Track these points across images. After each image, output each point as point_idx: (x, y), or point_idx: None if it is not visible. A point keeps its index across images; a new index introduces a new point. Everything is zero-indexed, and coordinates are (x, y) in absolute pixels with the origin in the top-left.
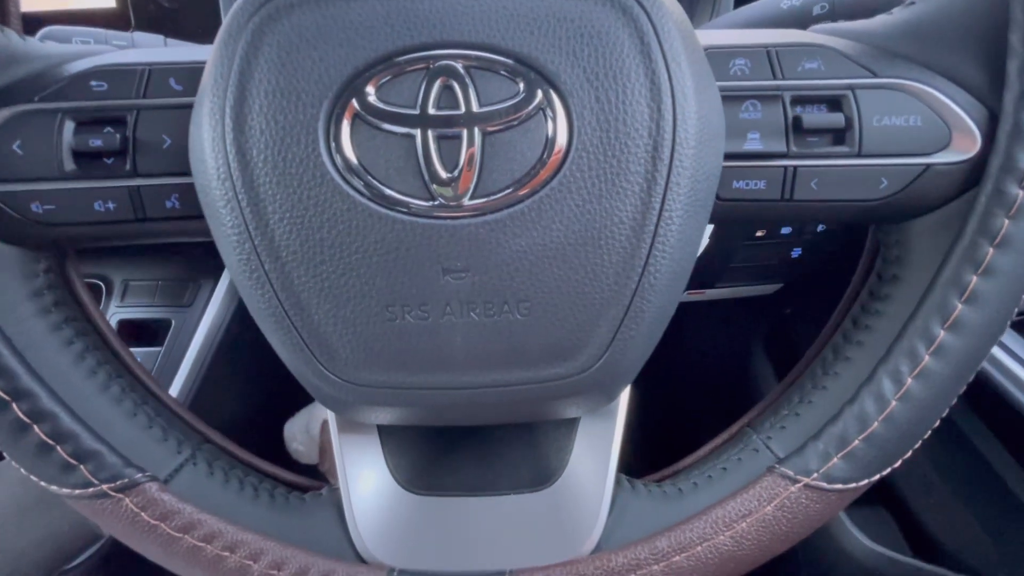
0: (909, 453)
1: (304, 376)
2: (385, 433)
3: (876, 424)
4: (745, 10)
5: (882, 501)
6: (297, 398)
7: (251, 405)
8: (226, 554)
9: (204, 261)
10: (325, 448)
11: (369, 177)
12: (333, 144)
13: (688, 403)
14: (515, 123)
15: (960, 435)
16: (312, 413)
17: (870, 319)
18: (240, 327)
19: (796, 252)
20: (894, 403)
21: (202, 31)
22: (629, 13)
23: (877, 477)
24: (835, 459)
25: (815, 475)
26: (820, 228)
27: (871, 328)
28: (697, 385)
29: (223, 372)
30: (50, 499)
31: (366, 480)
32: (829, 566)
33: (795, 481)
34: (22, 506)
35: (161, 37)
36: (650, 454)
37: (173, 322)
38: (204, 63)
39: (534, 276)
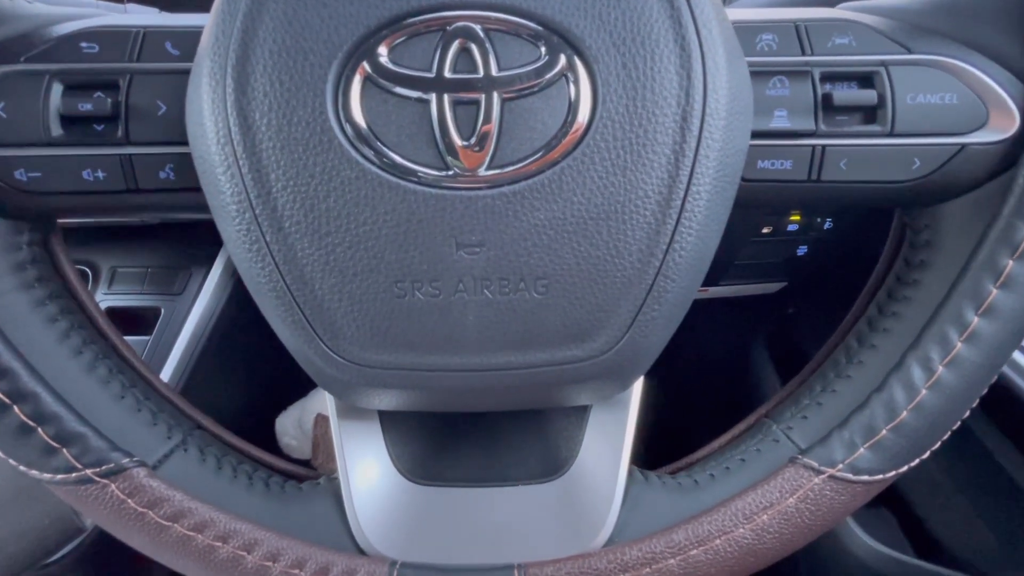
0: (938, 444)
1: (304, 356)
2: (387, 420)
3: (905, 413)
4: None
5: (884, 500)
6: (289, 391)
7: (242, 398)
8: (218, 544)
9: (197, 248)
10: (318, 443)
11: (379, 144)
12: (342, 108)
13: (686, 400)
14: (535, 89)
15: (966, 431)
16: (305, 407)
17: (897, 306)
18: (234, 317)
19: (802, 250)
20: (924, 392)
21: (199, 6)
22: None
23: (905, 468)
24: (862, 449)
25: (840, 466)
26: (827, 226)
27: (899, 315)
28: (696, 383)
29: (214, 363)
30: (31, 491)
31: (367, 469)
32: (830, 565)
33: (819, 472)
34: (2, 498)
35: (155, 10)
36: (651, 449)
37: (163, 310)
38: (199, 28)
39: (553, 252)
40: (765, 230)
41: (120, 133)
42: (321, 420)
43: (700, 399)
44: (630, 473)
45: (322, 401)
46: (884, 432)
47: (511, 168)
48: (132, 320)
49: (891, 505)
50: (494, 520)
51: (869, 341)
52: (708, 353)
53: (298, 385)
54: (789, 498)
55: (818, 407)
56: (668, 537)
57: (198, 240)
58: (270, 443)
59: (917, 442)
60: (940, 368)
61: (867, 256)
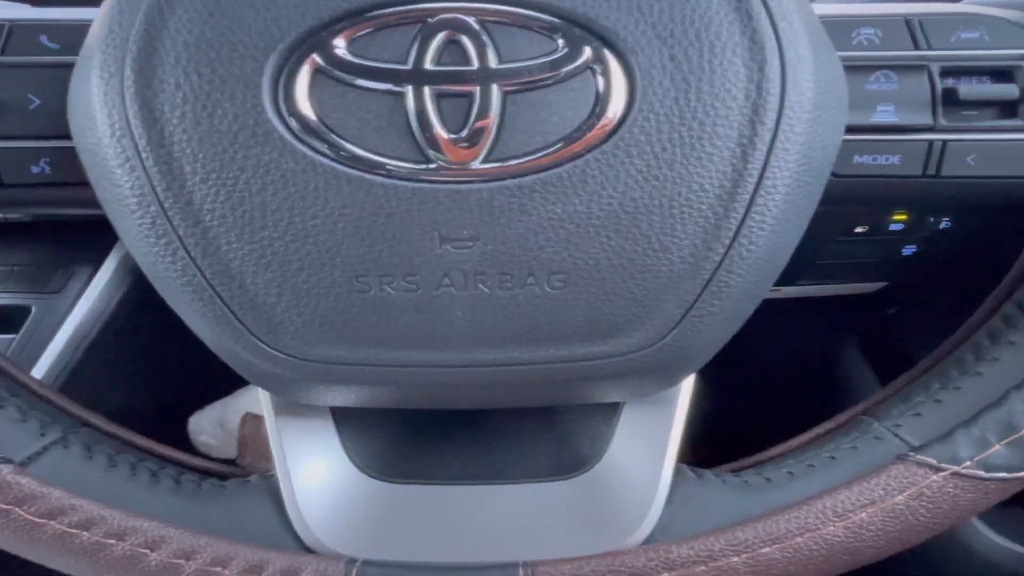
0: None
1: (230, 352)
2: (342, 416)
3: None
4: None
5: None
6: (202, 391)
7: (145, 398)
8: (110, 541)
9: (79, 246)
10: (246, 442)
11: (334, 136)
12: (283, 101)
13: (753, 403)
14: (549, 81)
15: None
16: (228, 406)
17: None
18: (131, 315)
19: (908, 250)
20: None
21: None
22: None
23: None
24: (997, 446)
25: (968, 463)
26: (943, 225)
27: None
28: (767, 384)
29: (107, 362)
30: None
31: (315, 466)
32: (945, 563)
33: (938, 469)
34: None
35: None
36: (703, 453)
37: (34, 309)
38: (84, 21)
39: (573, 246)
40: (859, 229)
41: None
42: (250, 419)
43: (771, 402)
44: (678, 472)
45: (249, 401)
46: None
47: (516, 162)
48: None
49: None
50: (487, 518)
51: (1006, 338)
52: (781, 353)
53: (213, 385)
54: (897, 495)
55: (936, 404)
56: (731, 534)
57: (81, 237)
58: (183, 444)
59: None
60: None
61: (988, 256)
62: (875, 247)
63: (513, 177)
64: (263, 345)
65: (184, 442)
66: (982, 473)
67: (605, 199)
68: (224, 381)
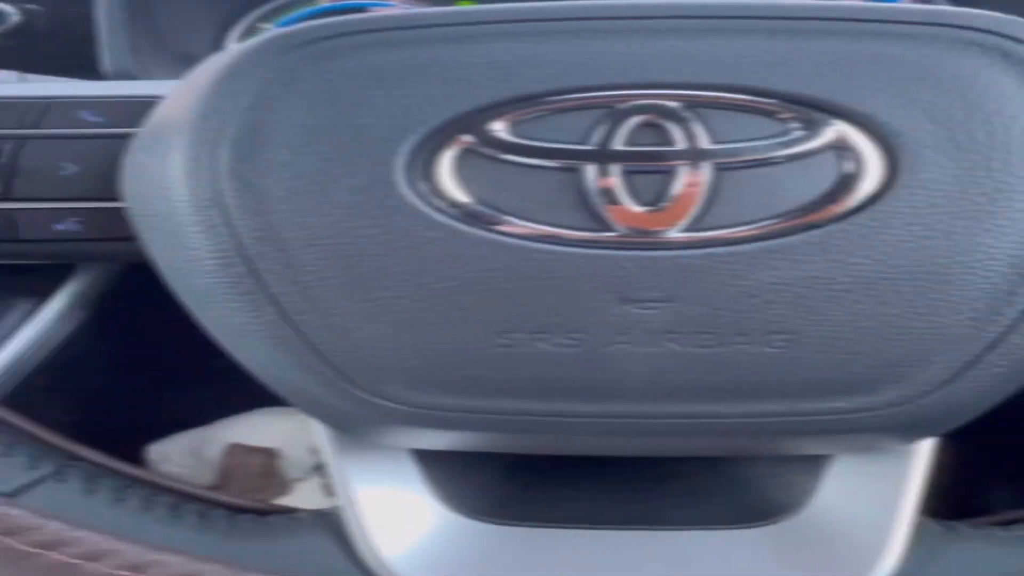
0: None
1: (306, 393)
2: (423, 453)
3: None
4: None
5: None
6: (153, 424)
7: (88, 429)
8: (127, 574)
9: (18, 285)
10: (231, 474)
11: (482, 208)
12: (421, 177)
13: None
14: (774, 161)
15: None
16: (205, 436)
17: None
18: (80, 352)
19: None
20: None
21: (53, 67)
22: (1010, 57)
23: None
24: None
25: None
26: None
27: None
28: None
29: (42, 397)
30: None
31: (394, 503)
32: None
33: None
34: None
35: (15, 73)
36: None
37: None
38: (136, 97)
39: (805, 309)
40: None
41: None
42: (238, 451)
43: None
44: (919, 524)
45: (234, 432)
46: None
47: (727, 231)
48: None
49: None
50: (648, 565)
51: None
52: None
53: (173, 416)
54: None
55: None
56: None
57: (20, 277)
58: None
59: None
60: None
61: None
62: None
63: (723, 245)
64: (358, 391)
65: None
66: None
67: (852, 266)
68: (186, 416)
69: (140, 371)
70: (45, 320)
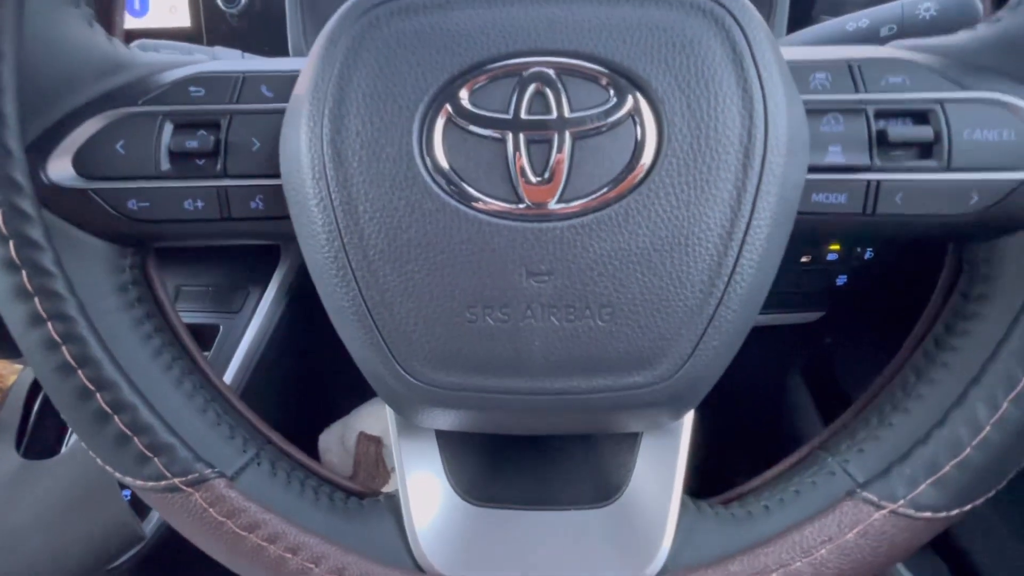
0: (1004, 482)
1: (377, 375)
2: (443, 441)
3: (969, 450)
4: (808, 32)
5: (931, 543)
6: (331, 410)
7: (287, 415)
8: (288, 556)
9: (254, 268)
10: (360, 461)
11: (458, 179)
12: (425, 147)
13: (720, 430)
14: (604, 129)
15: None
16: (348, 425)
17: (956, 339)
18: (283, 337)
19: (841, 280)
20: (988, 428)
21: (268, 46)
22: (721, 23)
23: (970, 506)
24: (924, 485)
25: (902, 501)
26: (868, 256)
27: (958, 349)
28: (730, 413)
29: (263, 381)
30: (95, 499)
31: (425, 488)
32: None
33: (879, 507)
34: (68, 505)
35: (239, 52)
36: (690, 479)
37: (221, 327)
38: (293, 72)
39: (617, 281)
40: (804, 259)
41: (219, 167)
42: (363, 439)
43: (734, 429)
44: (682, 503)
45: (365, 420)
46: (947, 468)
47: (578, 202)
48: (195, 337)
49: (939, 549)
50: (547, 543)
51: (927, 375)
52: (742, 383)
53: (339, 403)
54: (848, 532)
55: (875, 441)
56: (724, 568)
57: (254, 261)
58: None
59: (983, 479)
60: (1005, 404)
61: (908, 287)
62: (816, 277)
63: (577, 216)
64: (401, 370)
65: (317, 455)
66: (912, 512)
67: (640, 237)
68: (349, 401)
69: (323, 355)
70: (265, 308)
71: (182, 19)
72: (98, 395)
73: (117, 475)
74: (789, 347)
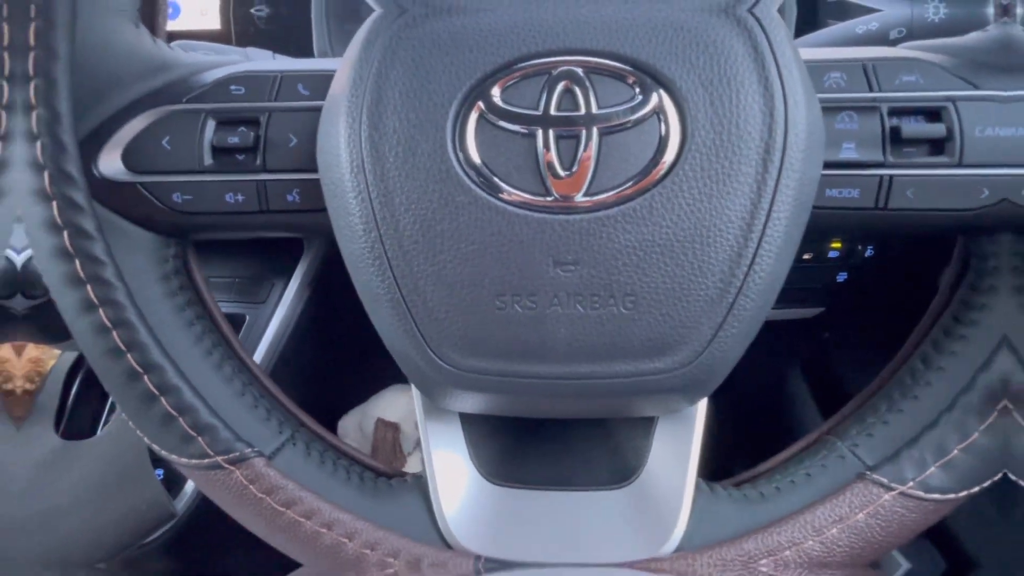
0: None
1: (408, 360)
2: (467, 423)
3: (977, 435)
4: (820, 34)
5: (927, 533)
6: (351, 395)
7: (308, 400)
8: (323, 531)
9: (279, 260)
10: (378, 446)
11: (489, 173)
12: (458, 142)
13: (725, 419)
14: (629, 125)
15: None
16: (365, 411)
17: (965, 329)
18: (305, 327)
19: (842, 276)
20: (996, 414)
21: (295, 47)
22: (743, 24)
23: (977, 489)
24: (933, 468)
25: (911, 483)
26: (868, 253)
27: (967, 339)
28: (727, 406)
29: (287, 366)
30: (130, 478)
31: (450, 469)
32: None
33: (889, 488)
34: (105, 484)
35: (270, 52)
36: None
37: (247, 317)
38: (327, 71)
39: (641, 271)
40: (806, 256)
41: (258, 162)
42: (381, 425)
43: (734, 422)
44: (696, 485)
45: (383, 406)
46: (955, 452)
47: (604, 195)
48: None
49: (935, 538)
50: (567, 523)
51: (936, 363)
52: (741, 377)
53: (358, 390)
54: (859, 513)
55: (884, 426)
56: (738, 547)
57: (278, 253)
58: None
59: (989, 463)
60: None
61: (907, 284)
62: (817, 273)
63: (603, 209)
64: (433, 355)
65: None
66: (922, 493)
67: (664, 228)
68: (368, 387)
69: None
70: (289, 299)
71: (212, 22)
72: (146, 377)
73: (163, 453)
74: (789, 342)
